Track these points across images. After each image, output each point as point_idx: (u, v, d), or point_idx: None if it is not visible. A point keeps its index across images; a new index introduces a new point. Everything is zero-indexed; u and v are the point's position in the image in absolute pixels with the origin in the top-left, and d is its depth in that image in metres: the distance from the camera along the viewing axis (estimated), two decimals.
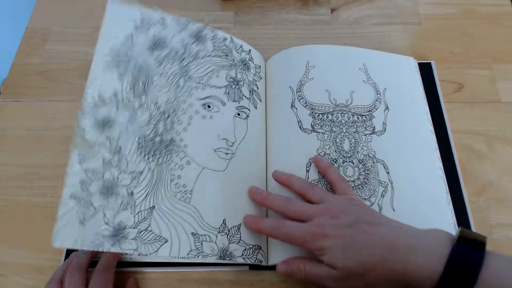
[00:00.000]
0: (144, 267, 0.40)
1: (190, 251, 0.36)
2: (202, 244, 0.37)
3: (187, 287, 0.40)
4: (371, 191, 0.41)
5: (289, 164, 0.42)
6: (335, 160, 0.42)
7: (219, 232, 0.38)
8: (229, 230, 0.39)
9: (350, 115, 0.45)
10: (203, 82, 0.43)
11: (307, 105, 0.46)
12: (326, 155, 0.43)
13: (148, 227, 0.35)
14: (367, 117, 0.45)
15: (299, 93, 0.46)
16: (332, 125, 0.44)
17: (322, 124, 0.44)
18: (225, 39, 0.47)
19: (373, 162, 0.43)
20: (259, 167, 0.43)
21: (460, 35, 0.54)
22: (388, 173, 0.42)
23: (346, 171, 0.42)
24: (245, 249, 0.38)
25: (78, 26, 0.57)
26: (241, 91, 0.45)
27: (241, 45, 0.48)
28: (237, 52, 0.47)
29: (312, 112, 0.45)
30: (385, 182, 0.42)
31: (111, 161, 0.37)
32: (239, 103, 0.44)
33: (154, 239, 0.35)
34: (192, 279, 0.40)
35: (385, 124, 0.45)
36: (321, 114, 0.45)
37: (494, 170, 0.45)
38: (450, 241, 0.30)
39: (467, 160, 0.46)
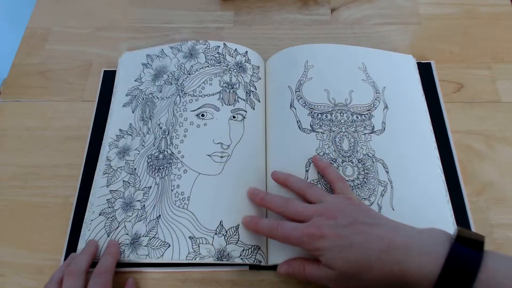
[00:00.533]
0: (144, 267, 0.41)
1: (188, 253, 0.38)
2: (199, 246, 0.38)
3: (187, 287, 0.40)
4: (370, 191, 0.41)
5: (288, 164, 0.42)
6: (334, 160, 0.42)
7: (215, 234, 0.39)
8: (226, 232, 0.39)
9: (349, 115, 0.45)
10: (196, 94, 0.46)
11: (306, 105, 0.46)
12: (326, 154, 0.43)
13: (156, 234, 0.39)
14: (366, 116, 0.45)
15: (298, 93, 0.46)
16: (331, 125, 0.44)
17: (321, 124, 0.44)
18: (217, 47, 0.50)
19: (373, 161, 0.43)
20: (257, 168, 0.43)
21: (460, 35, 0.54)
22: (387, 172, 0.42)
23: (345, 171, 0.42)
24: (243, 250, 0.39)
25: (78, 26, 0.57)
26: (236, 94, 0.46)
27: (236, 49, 0.50)
28: (232, 56, 0.49)
29: (311, 112, 0.45)
30: (384, 181, 0.42)
31: (129, 181, 0.43)
32: (234, 106, 0.45)
33: (160, 245, 0.39)
34: (192, 279, 0.40)
35: (384, 123, 0.45)
36: (320, 113, 0.45)
37: (494, 170, 0.45)
38: (448, 241, 0.30)
39: (467, 160, 0.46)
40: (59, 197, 0.45)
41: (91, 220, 0.42)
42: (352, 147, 0.43)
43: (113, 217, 0.41)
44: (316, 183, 0.41)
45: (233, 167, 0.42)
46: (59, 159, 0.47)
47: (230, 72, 0.48)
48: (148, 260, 0.39)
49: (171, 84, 0.47)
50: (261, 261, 0.39)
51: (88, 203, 0.43)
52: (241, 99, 0.46)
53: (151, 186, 0.42)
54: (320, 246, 0.32)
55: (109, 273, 0.37)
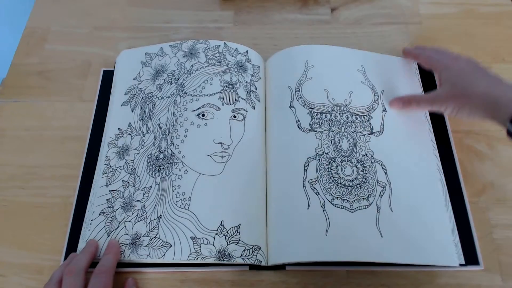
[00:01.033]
0: (144, 267, 0.41)
1: (190, 254, 0.38)
2: (200, 246, 0.38)
3: (187, 287, 0.40)
4: (369, 191, 0.41)
5: (287, 163, 0.42)
6: (333, 159, 0.42)
7: (216, 234, 0.39)
8: (227, 231, 0.39)
9: (349, 115, 0.45)
10: (196, 93, 0.46)
11: (305, 105, 0.46)
12: (325, 154, 0.43)
13: (157, 234, 0.40)
14: (365, 117, 0.45)
15: (298, 92, 0.46)
16: (330, 125, 0.44)
17: (320, 124, 0.44)
18: (218, 46, 0.49)
19: (371, 162, 0.43)
20: (258, 168, 0.43)
21: (460, 35, 0.54)
22: (386, 173, 0.42)
23: (344, 170, 0.42)
24: (244, 250, 0.39)
25: (77, 26, 0.57)
26: (236, 93, 0.46)
27: (236, 48, 0.49)
28: (232, 56, 0.49)
29: (311, 112, 0.45)
30: (383, 182, 0.42)
31: (128, 181, 0.43)
32: (234, 105, 0.45)
33: (161, 245, 0.39)
34: (192, 279, 0.40)
35: (383, 125, 0.45)
36: (320, 113, 0.45)
37: (494, 170, 0.45)
38: None
39: (467, 160, 0.46)
40: (59, 197, 0.45)
41: (91, 220, 0.42)
42: (351, 147, 0.43)
43: (113, 217, 0.41)
44: (315, 182, 0.41)
45: (233, 167, 0.42)
46: (59, 159, 0.47)
47: (230, 71, 0.47)
48: (149, 260, 0.39)
49: (171, 83, 0.47)
50: (261, 261, 0.39)
51: (88, 203, 0.43)
52: (242, 98, 0.46)
53: (151, 186, 0.42)
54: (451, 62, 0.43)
55: (110, 273, 0.37)
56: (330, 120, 0.45)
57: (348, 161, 0.42)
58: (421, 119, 0.47)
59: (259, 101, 0.47)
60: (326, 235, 0.38)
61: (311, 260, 0.37)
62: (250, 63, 0.49)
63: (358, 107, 0.46)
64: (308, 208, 0.39)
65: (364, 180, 0.42)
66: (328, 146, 0.43)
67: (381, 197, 0.41)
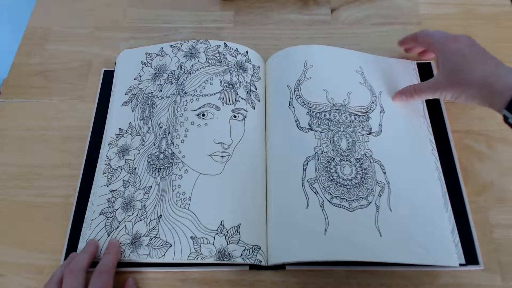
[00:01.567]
0: (144, 267, 0.41)
1: (190, 254, 0.38)
2: (200, 246, 0.39)
3: (187, 287, 0.40)
4: (368, 190, 0.41)
5: (286, 163, 0.42)
6: (332, 159, 0.42)
7: (216, 233, 0.39)
8: (227, 231, 0.39)
9: (348, 115, 0.45)
10: (197, 93, 0.46)
11: (304, 104, 0.46)
12: (324, 153, 0.43)
13: (157, 234, 0.40)
14: (364, 117, 0.45)
15: (297, 92, 0.46)
16: (329, 124, 0.45)
17: (319, 123, 0.45)
18: (218, 46, 0.50)
19: (370, 161, 0.43)
20: (258, 167, 0.43)
21: None
22: (384, 173, 0.42)
23: (343, 170, 0.42)
24: (244, 249, 0.39)
25: (78, 26, 0.57)
26: (237, 93, 0.46)
27: (236, 48, 0.50)
28: (232, 56, 0.49)
29: (310, 111, 0.45)
30: (382, 182, 0.42)
31: (129, 181, 0.43)
32: (235, 105, 0.45)
33: (161, 245, 0.39)
34: (192, 279, 0.41)
35: (381, 126, 0.45)
36: (319, 112, 0.45)
37: (494, 170, 0.45)
38: None
39: (467, 160, 0.46)
40: (59, 197, 0.45)
41: (92, 220, 0.42)
42: (350, 147, 0.43)
43: (113, 217, 0.41)
44: (314, 181, 0.41)
45: (233, 167, 0.42)
46: (59, 159, 0.47)
47: (230, 71, 0.48)
48: (149, 260, 0.39)
49: (172, 83, 0.47)
50: (261, 261, 0.39)
51: (89, 203, 0.43)
52: (242, 98, 0.46)
53: (151, 186, 0.42)
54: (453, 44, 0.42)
55: (110, 272, 0.37)
56: (329, 120, 0.45)
57: (347, 160, 0.43)
58: (420, 119, 0.47)
59: (259, 101, 0.47)
60: (325, 234, 0.38)
61: (310, 259, 0.37)
62: (250, 63, 0.49)
63: (357, 107, 0.46)
64: (307, 208, 0.39)
65: (363, 179, 0.42)
66: (327, 146, 0.43)
67: (380, 196, 0.41)
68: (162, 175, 0.42)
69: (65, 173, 0.46)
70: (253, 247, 0.39)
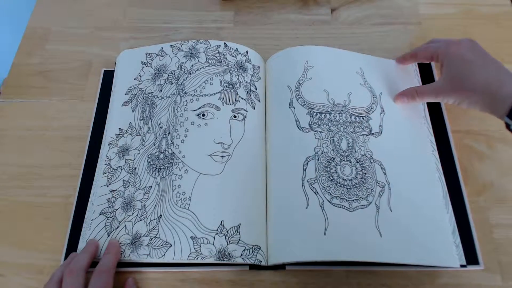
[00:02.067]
0: (144, 267, 0.41)
1: (190, 253, 0.38)
2: (200, 246, 0.39)
3: (187, 287, 0.40)
4: (368, 191, 0.41)
5: (286, 163, 0.42)
6: (332, 159, 0.42)
7: (216, 233, 0.39)
8: (227, 231, 0.39)
9: (348, 116, 0.45)
10: (197, 93, 0.46)
11: (305, 104, 0.46)
12: (324, 153, 0.43)
13: (157, 234, 0.40)
14: (364, 118, 0.45)
15: (297, 92, 0.46)
16: (330, 124, 0.45)
17: (320, 123, 0.45)
18: (218, 46, 0.50)
19: (371, 162, 0.43)
20: (258, 167, 0.43)
21: (459, 35, 0.54)
22: (385, 173, 0.42)
23: (343, 170, 0.42)
24: (244, 249, 0.39)
25: (78, 26, 0.58)
26: (237, 94, 0.46)
27: (236, 48, 0.50)
28: (232, 56, 0.49)
29: (310, 111, 0.45)
30: (382, 182, 0.42)
31: (129, 181, 0.43)
32: (235, 105, 0.45)
33: (161, 245, 0.39)
34: (192, 279, 0.41)
35: (381, 127, 0.45)
36: (319, 113, 0.45)
37: (494, 170, 0.45)
38: None
39: (467, 160, 0.46)
40: (59, 197, 0.45)
41: (92, 220, 0.42)
42: (350, 147, 0.43)
43: (113, 217, 0.41)
44: (313, 181, 0.41)
45: (233, 166, 0.42)
46: (59, 159, 0.47)
47: (230, 71, 0.48)
48: (149, 260, 0.39)
49: (172, 83, 0.47)
50: (261, 261, 0.39)
51: (89, 203, 0.43)
52: (242, 98, 0.46)
53: (151, 186, 0.42)
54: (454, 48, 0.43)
55: (110, 272, 0.37)
56: (329, 120, 0.45)
57: (347, 160, 0.43)
58: (421, 120, 0.47)
59: (259, 101, 0.47)
60: (324, 234, 0.38)
61: (309, 259, 0.37)
62: (250, 63, 0.49)
63: (357, 108, 0.46)
64: (307, 208, 0.39)
65: (363, 179, 0.42)
66: (327, 146, 0.43)
67: (380, 197, 0.41)
68: (162, 175, 0.42)
69: (65, 173, 0.46)
70: (253, 247, 0.39)
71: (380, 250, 0.38)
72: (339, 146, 0.43)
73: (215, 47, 0.50)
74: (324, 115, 0.45)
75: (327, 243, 0.38)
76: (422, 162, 0.44)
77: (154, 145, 0.44)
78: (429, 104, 0.48)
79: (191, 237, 0.39)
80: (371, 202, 0.40)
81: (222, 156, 0.43)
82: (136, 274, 0.41)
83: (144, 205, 0.41)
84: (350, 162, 0.42)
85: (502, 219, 0.43)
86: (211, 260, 0.38)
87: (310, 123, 0.44)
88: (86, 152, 0.47)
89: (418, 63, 0.51)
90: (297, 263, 0.40)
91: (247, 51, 0.50)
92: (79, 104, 0.51)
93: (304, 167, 0.42)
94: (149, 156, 0.44)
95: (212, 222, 0.40)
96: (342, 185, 0.41)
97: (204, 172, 0.42)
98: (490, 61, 0.41)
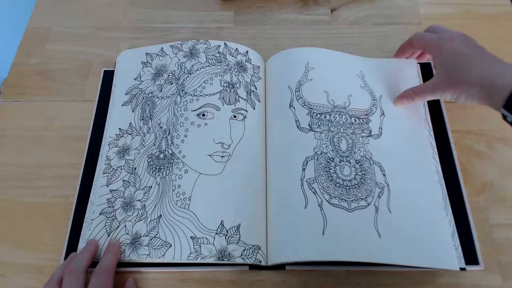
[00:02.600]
0: (144, 267, 0.41)
1: (190, 253, 0.38)
2: (200, 246, 0.39)
3: (187, 287, 0.40)
4: (367, 191, 0.41)
5: (286, 163, 0.42)
6: (331, 159, 0.42)
7: (216, 233, 0.39)
8: (227, 231, 0.39)
9: (348, 117, 0.45)
10: (197, 93, 0.46)
11: (305, 105, 0.46)
12: (323, 154, 0.43)
13: (157, 234, 0.40)
14: (364, 120, 0.45)
15: (298, 93, 0.46)
16: (329, 125, 0.45)
17: (319, 124, 0.45)
18: (218, 46, 0.50)
19: (370, 163, 0.43)
20: (258, 167, 0.43)
21: None
22: (384, 175, 0.42)
23: (343, 170, 0.42)
24: (244, 249, 0.39)
25: (78, 26, 0.58)
26: (237, 93, 0.46)
27: (236, 48, 0.50)
28: (232, 56, 0.49)
29: (310, 112, 0.45)
30: (381, 183, 0.42)
31: (129, 181, 0.43)
32: (235, 105, 0.45)
33: (161, 245, 0.39)
34: (192, 279, 0.41)
35: (381, 129, 0.45)
36: (319, 114, 0.45)
37: (494, 170, 0.45)
38: None
39: (467, 160, 0.46)
40: (59, 197, 0.45)
41: (92, 220, 0.42)
42: (350, 148, 0.43)
43: (113, 217, 0.41)
44: (313, 181, 0.41)
45: (233, 166, 0.42)
46: (59, 159, 0.47)
47: (230, 71, 0.48)
48: (149, 260, 0.39)
49: (172, 83, 0.47)
50: (261, 261, 0.39)
51: (89, 203, 0.43)
52: (242, 98, 0.46)
53: (151, 186, 0.42)
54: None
55: (110, 272, 0.37)
56: (329, 121, 0.45)
57: (346, 161, 0.43)
58: (421, 123, 0.47)
59: (259, 101, 0.47)
60: (323, 234, 0.38)
61: (309, 259, 0.37)
62: (250, 63, 0.49)
63: (357, 109, 0.46)
64: (305, 208, 0.39)
65: (362, 180, 0.42)
66: (327, 146, 0.43)
67: (379, 198, 0.41)
68: (162, 175, 0.42)
69: (65, 173, 0.46)
70: (253, 247, 0.39)
71: (379, 251, 0.38)
72: (338, 146, 0.43)
73: (215, 47, 0.50)
74: (324, 116, 0.45)
75: (326, 243, 0.38)
76: (422, 164, 0.44)
77: (154, 145, 0.44)
78: (429, 104, 0.48)
79: (191, 237, 0.39)
80: (370, 203, 0.40)
81: (222, 156, 0.43)
82: (136, 274, 0.41)
83: (144, 205, 0.41)
84: (350, 163, 0.42)
85: (502, 219, 0.43)
86: (211, 260, 0.38)
87: (310, 123, 0.44)
88: (86, 152, 0.47)
89: (419, 63, 0.51)
90: (297, 263, 0.40)
91: (247, 51, 0.50)
92: (79, 104, 0.51)
93: (304, 167, 0.42)
94: (149, 156, 0.44)
95: (212, 222, 0.40)
96: (341, 186, 0.41)
97: (204, 172, 0.42)
98: (485, 53, 0.41)
